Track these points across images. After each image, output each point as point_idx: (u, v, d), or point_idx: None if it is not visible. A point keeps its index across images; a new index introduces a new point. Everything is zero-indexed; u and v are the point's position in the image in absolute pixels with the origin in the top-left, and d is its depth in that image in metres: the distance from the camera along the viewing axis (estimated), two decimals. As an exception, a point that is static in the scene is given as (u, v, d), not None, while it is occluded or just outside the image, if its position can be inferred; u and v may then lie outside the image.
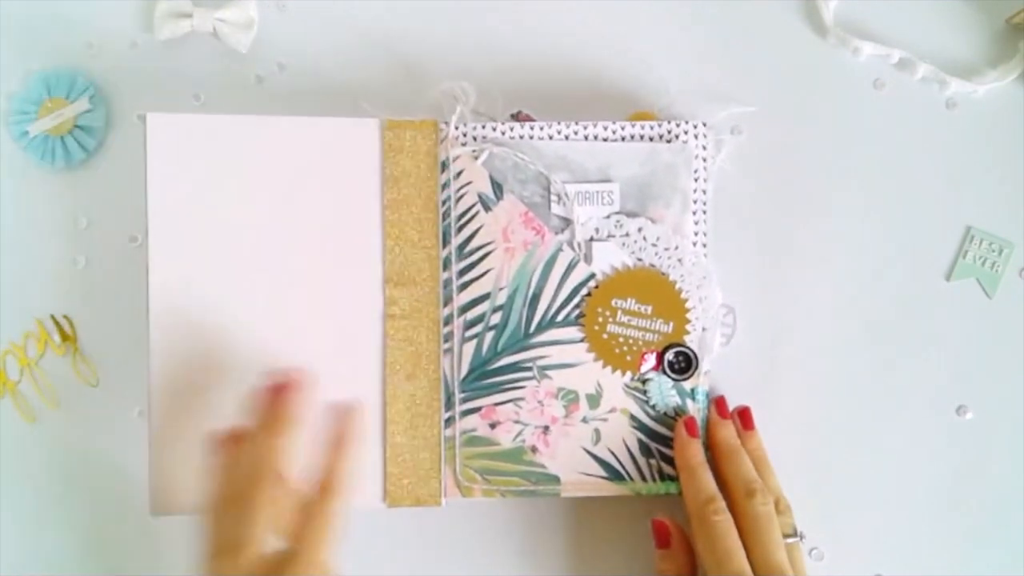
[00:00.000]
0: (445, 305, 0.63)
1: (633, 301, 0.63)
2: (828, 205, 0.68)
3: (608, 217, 0.63)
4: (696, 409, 0.63)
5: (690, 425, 0.63)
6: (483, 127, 0.64)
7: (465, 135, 0.64)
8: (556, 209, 0.63)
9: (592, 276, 0.63)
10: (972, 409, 0.67)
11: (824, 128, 0.68)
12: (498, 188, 0.63)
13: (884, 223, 0.68)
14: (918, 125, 0.68)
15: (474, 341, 0.63)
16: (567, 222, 0.63)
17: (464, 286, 0.63)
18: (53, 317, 0.67)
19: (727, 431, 0.63)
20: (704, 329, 0.63)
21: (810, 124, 0.68)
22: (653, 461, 0.63)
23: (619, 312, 0.63)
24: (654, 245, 0.63)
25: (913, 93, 0.68)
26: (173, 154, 0.62)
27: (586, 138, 0.64)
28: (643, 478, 0.63)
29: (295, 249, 0.63)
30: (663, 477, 0.63)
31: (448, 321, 0.63)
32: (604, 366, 0.63)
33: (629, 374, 0.63)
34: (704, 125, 0.64)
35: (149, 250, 0.62)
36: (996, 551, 0.67)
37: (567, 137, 0.63)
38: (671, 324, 0.63)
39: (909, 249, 0.68)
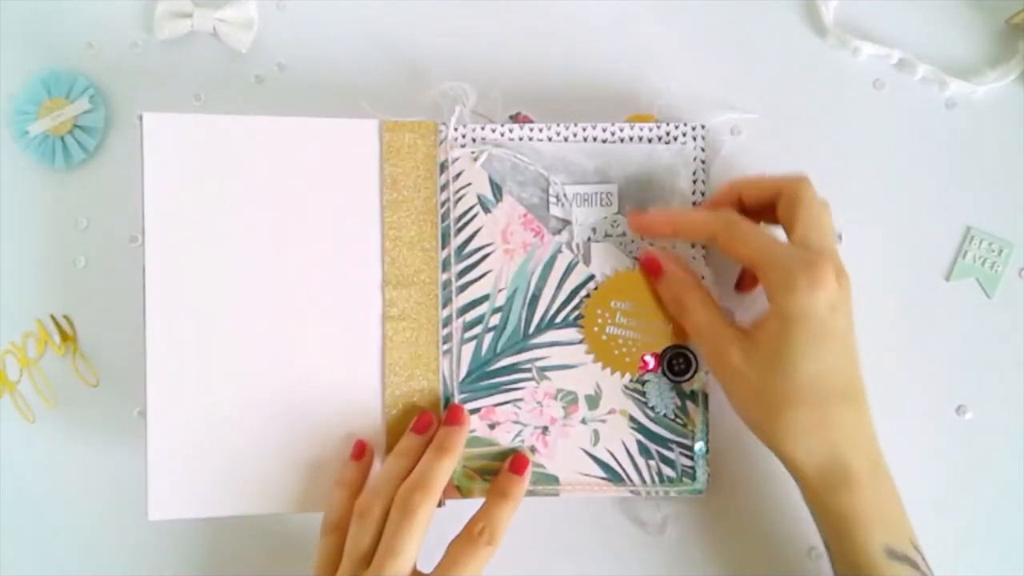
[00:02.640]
0: (444, 306, 0.63)
1: (632, 303, 0.63)
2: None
3: (607, 218, 0.63)
4: (696, 411, 0.63)
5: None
6: (482, 128, 0.64)
7: (464, 136, 0.64)
8: (555, 210, 0.63)
9: (591, 277, 0.63)
10: (972, 409, 0.67)
11: (824, 128, 0.68)
12: (497, 189, 0.63)
13: (884, 223, 0.68)
14: (918, 125, 0.68)
15: (473, 342, 0.63)
16: (566, 223, 0.63)
17: (463, 287, 0.63)
18: (53, 317, 0.67)
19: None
20: (703, 331, 0.63)
21: (810, 124, 0.68)
22: (652, 462, 0.63)
23: (618, 313, 0.63)
24: (652, 246, 0.63)
25: (913, 93, 0.68)
26: (170, 154, 0.61)
27: (585, 139, 0.63)
28: (642, 479, 0.63)
29: (293, 250, 0.62)
30: (662, 479, 0.63)
31: (447, 322, 0.63)
32: (603, 367, 0.63)
33: (628, 375, 0.63)
34: (703, 127, 0.64)
35: (145, 250, 0.61)
36: (996, 551, 0.67)
37: (566, 139, 0.63)
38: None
39: (909, 249, 0.68)
